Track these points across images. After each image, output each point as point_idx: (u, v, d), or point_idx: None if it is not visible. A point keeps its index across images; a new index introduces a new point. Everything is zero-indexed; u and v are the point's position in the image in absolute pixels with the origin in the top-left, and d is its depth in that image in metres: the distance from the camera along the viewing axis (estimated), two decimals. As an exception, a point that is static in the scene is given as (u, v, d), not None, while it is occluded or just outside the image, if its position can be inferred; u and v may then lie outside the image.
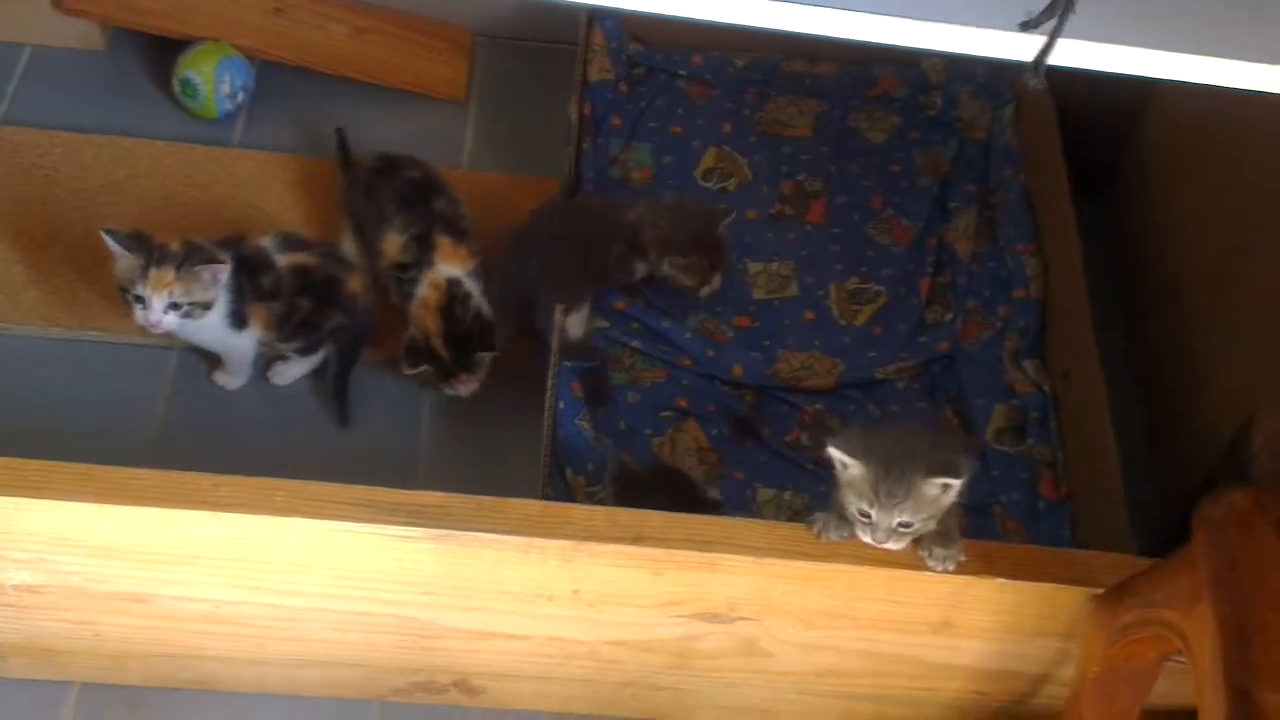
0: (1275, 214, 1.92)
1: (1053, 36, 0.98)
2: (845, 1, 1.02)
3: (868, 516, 1.51)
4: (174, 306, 1.91)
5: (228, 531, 1.52)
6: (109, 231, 1.90)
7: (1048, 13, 0.96)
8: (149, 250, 1.90)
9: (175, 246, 1.92)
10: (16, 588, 1.61)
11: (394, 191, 2.13)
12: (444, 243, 2.10)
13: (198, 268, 1.90)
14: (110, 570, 1.58)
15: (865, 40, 1.05)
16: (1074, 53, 1.03)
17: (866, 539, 1.53)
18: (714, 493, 1.97)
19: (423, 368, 2.04)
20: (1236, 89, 1.09)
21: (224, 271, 1.93)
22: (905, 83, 2.47)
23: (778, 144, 2.42)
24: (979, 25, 1.02)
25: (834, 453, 1.52)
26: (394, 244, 2.11)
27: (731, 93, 2.48)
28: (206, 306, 1.94)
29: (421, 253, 2.09)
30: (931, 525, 1.52)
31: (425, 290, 2.07)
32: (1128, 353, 2.25)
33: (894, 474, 1.49)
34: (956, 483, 1.50)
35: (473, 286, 2.09)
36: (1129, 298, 2.31)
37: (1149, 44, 1.04)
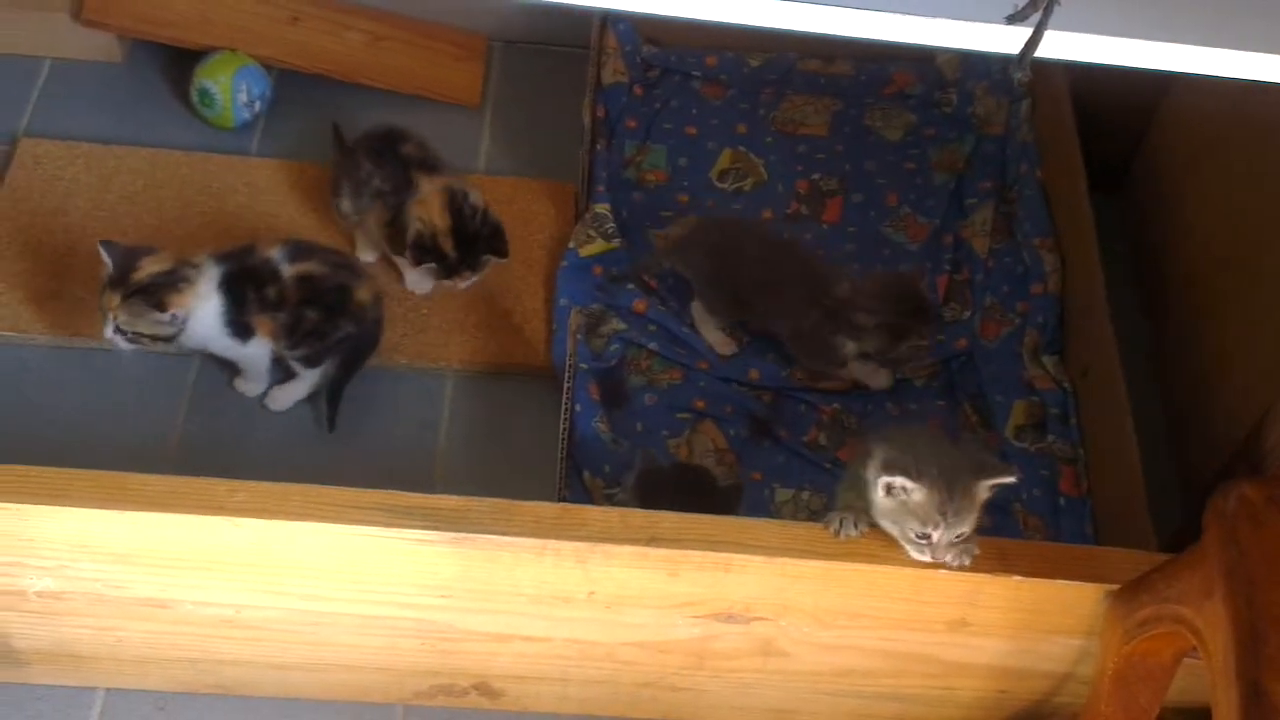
0: (1292, 206, 1.91)
1: (1038, 29, 0.98)
2: None
3: (927, 538, 1.48)
4: (119, 331, 1.90)
5: (246, 537, 1.53)
6: (105, 244, 1.91)
7: (1033, 5, 0.96)
8: (117, 268, 1.90)
9: (144, 274, 1.89)
10: (39, 594, 1.62)
11: (367, 149, 2.17)
12: (421, 178, 2.13)
13: (138, 305, 1.87)
14: (130, 576, 1.59)
15: (851, 36, 1.05)
16: (1060, 45, 1.03)
17: (924, 558, 1.49)
18: (729, 480, 1.97)
19: (429, 264, 2.08)
20: (1234, 79, 1.08)
21: (170, 318, 1.90)
22: (920, 79, 2.47)
23: (793, 143, 2.42)
24: (965, 19, 1.02)
25: (895, 480, 1.46)
26: (377, 211, 2.15)
27: (746, 93, 2.48)
28: (160, 339, 1.92)
29: (400, 198, 2.12)
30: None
31: (423, 193, 2.11)
32: (1147, 347, 2.24)
33: (958, 492, 1.45)
34: (1012, 480, 1.49)
35: (470, 190, 2.13)
36: (1147, 292, 2.30)
37: (1136, 35, 1.03)
